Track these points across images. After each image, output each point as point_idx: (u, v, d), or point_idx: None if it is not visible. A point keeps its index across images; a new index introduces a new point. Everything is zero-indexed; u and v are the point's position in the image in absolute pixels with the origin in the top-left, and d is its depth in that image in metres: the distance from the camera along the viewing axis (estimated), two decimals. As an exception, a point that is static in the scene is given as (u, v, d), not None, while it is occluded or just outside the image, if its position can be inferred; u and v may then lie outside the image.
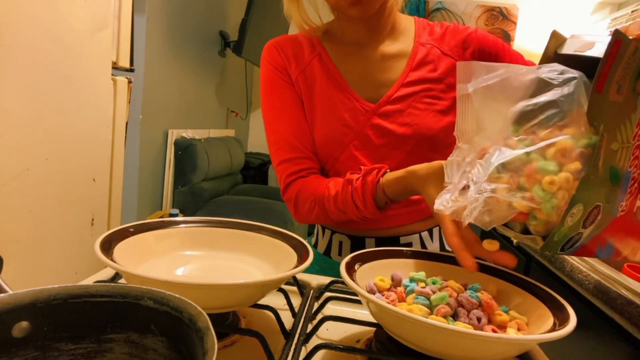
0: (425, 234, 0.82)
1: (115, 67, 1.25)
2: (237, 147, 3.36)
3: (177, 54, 2.73)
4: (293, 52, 0.81)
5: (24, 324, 0.32)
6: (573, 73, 0.47)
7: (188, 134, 2.84)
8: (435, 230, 0.84)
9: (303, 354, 0.49)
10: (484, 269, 0.61)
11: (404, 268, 0.62)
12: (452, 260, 0.63)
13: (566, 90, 0.47)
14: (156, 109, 2.54)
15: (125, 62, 1.30)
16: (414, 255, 0.64)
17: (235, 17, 3.36)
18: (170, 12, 2.60)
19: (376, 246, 0.80)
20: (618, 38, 0.45)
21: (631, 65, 0.47)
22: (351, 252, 0.80)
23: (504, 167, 0.48)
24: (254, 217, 0.78)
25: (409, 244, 0.81)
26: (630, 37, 0.45)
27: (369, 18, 0.76)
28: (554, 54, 0.53)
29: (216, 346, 0.28)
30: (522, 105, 0.48)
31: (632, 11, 2.94)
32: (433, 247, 0.83)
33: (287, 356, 0.49)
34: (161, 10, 2.51)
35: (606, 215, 0.50)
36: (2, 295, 0.32)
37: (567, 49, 0.52)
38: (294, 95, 0.80)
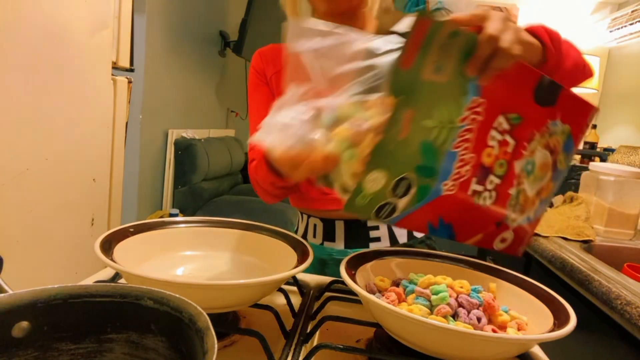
0: None
1: (115, 67, 1.25)
2: (237, 147, 3.36)
3: (177, 54, 2.73)
4: (272, 57, 0.87)
5: (24, 324, 0.32)
6: (399, 44, 0.48)
7: (188, 134, 2.84)
8: None
9: (303, 354, 0.49)
10: (484, 269, 0.61)
11: (404, 268, 0.62)
12: (452, 260, 0.63)
13: (387, 58, 0.48)
14: (156, 109, 2.54)
15: (125, 62, 1.30)
16: (415, 255, 0.64)
17: (235, 17, 3.36)
18: (170, 12, 2.60)
19: (345, 229, 0.84)
20: (422, 19, 0.45)
21: (452, 49, 0.47)
22: (323, 234, 0.87)
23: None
24: (254, 217, 0.78)
25: (376, 227, 0.84)
26: (442, 20, 0.46)
27: (339, 16, 0.79)
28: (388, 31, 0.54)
29: (216, 346, 0.28)
30: (346, 67, 0.50)
31: (632, 11, 2.94)
32: (400, 232, 0.85)
33: (287, 356, 0.49)
34: (161, 10, 2.51)
35: (423, 189, 0.50)
36: (2, 295, 0.32)
37: (398, 27, 0.53)
38: (269, 93, 0.87)
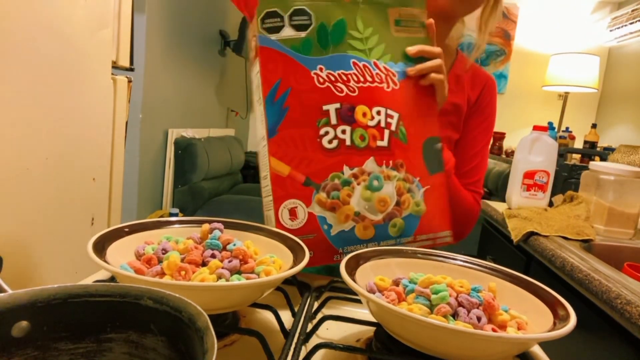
0: None
1: (115, 66, 1.25)
2: (237, 147, 3.36)
3: (177, 54, 2.73)
4: None
5: (24, 323, 0.32)
6: None
7: (188, 133, 2.84)
8: None
9: (303, 353, 0.49)
10: (484, 268, 0.61)
11: (405, 267, 0.62)
12: (452, 260, 0.63)
13: None
14: (156, 108, 2.54)
15: (125, 62, 1.29)
16: (415, 254, 0.64)
17: (235, 16, 3.36)
18: (170, 12, 2.60)
19: None
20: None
21: None
22: None
23: None
24: (254, 217, 0.78)
25: None
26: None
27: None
28: None
29: (216, 346, 0.28)
30: None
31: (632, 10, 2.94)
32: None
33: (287, 356, 0.49)
34: (161, 9, 2.51)
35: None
36: (2, 295, 0.32)
37: None
38: None
